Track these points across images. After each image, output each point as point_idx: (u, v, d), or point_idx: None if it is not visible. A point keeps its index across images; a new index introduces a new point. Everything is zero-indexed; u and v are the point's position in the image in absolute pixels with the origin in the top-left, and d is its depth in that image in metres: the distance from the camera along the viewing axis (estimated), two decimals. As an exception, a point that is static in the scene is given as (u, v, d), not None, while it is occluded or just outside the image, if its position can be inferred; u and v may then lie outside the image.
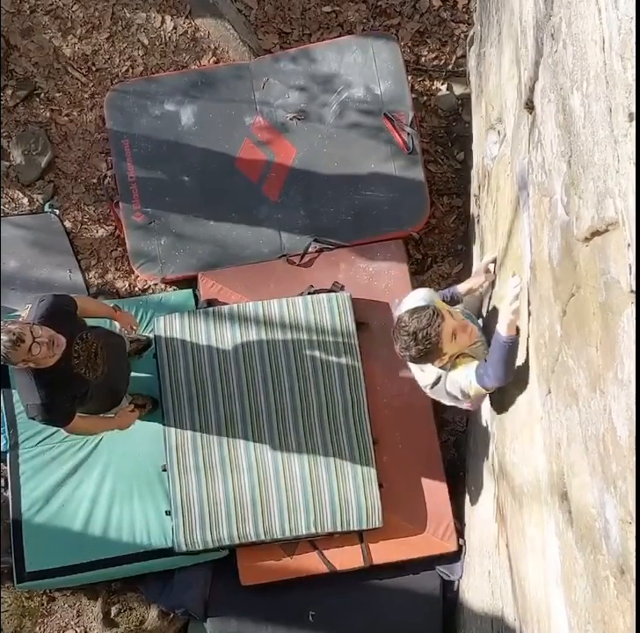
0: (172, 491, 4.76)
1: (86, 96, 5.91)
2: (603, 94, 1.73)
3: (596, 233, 1.87)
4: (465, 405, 3.93)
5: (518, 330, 3.17)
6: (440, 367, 3.48)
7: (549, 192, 2.45)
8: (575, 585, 2.31)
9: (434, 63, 6.01)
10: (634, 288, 1.57)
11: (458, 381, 3.44)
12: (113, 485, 4.93)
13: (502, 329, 3.15)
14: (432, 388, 3.63)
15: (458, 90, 5.92)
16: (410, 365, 3.71)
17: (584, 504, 2.17)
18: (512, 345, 3.17)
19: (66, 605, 5.24)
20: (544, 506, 2.78)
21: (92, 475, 4.95)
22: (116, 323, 4.61)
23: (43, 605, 5.24)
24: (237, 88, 5.43)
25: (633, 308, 1.59)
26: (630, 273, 1.59)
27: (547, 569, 2.73)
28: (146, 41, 5.93)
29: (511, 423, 3.45)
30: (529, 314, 3.01)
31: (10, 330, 3.47)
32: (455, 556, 4.86)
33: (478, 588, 4.35)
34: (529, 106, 2.83)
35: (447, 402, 3.75)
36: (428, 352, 3.29)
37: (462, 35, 5.93)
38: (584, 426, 2.13)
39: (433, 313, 3.26)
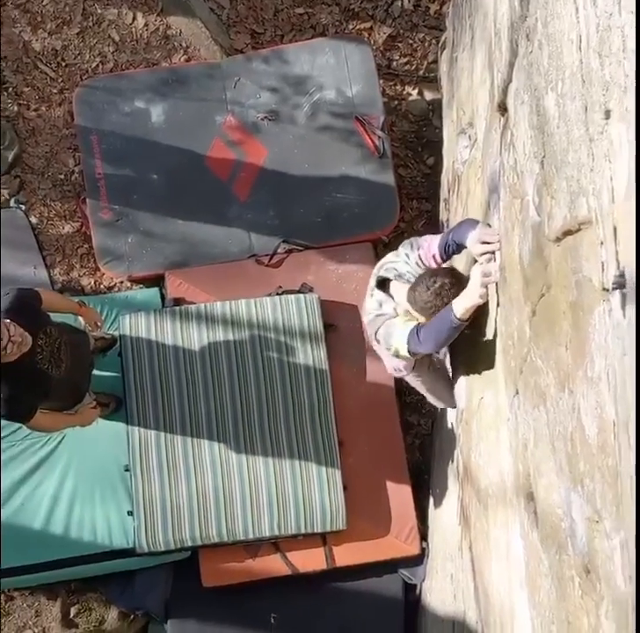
0: (135, 491, 4.71)
1: (55, 91, 5.85)
2: (579, 93, 1.73)
3: (568, 232, 1.88)
4: (393, 364, 3.85)
5: (470, 318, 3.06)
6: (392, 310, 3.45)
7: (520, 194, 2.46)
8: (539, 585, 2.32)
9: (406, 68, 6.04)
10: (607, 286, 1.57)
11: (394, 326, 3.38)
12: (75, 484, 4.86)
13: (457, 309, 3.02)
14: (373, 317, 3.55)
15: (429, 95, 5.95)
16: (372, 291, 3.63)
17: (550, 504, 2.17)
18: (456, 328, 3.06)
19: (24, 605, 5.16)
20: (509, 508, 2.79)
21: (54, 473, 4.88)
22: (80, 319, 4.55)
23: (1, 605, 5.15)
24: (208, 87, 5.39)
25: (605, 305, 1.60)
26: (602, 271, 1.59)
27: (511, 570, 2.73)
28: (117, 38, 5.89)
29: (477, 425, 3.45)
30: (498, 305, 2.99)
31: None
32: (418, 560, 4.86)
33: (441, 591, 4.35)
34: (502, 109, 2.84)
35: (375, 346, 3.70)
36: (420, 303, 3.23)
37: (434, 41, 5.96)
38: (551, 426, 2.13)
39: (453, 288, 3.15)
